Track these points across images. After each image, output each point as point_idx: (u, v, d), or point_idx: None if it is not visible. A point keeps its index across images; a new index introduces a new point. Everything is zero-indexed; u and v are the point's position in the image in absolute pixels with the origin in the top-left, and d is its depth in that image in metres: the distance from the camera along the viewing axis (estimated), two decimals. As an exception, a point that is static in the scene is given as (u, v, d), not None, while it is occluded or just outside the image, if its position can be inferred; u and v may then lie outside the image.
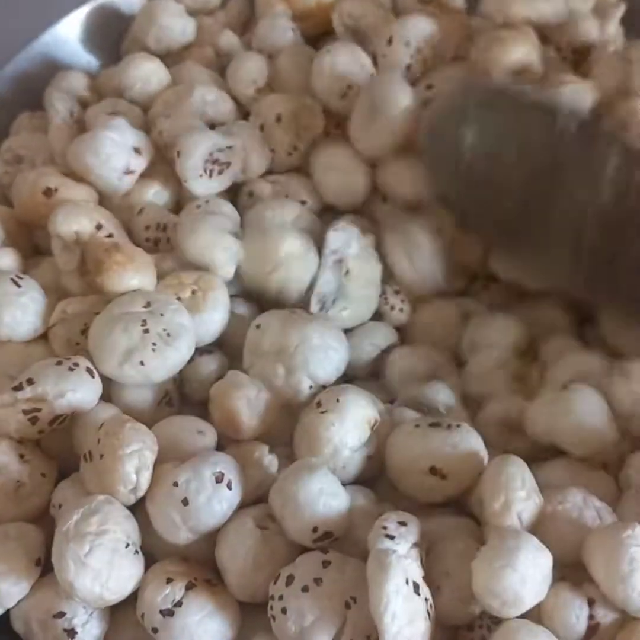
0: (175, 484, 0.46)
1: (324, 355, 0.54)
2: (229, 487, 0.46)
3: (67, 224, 0.57)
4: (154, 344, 0.52)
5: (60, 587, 0.44)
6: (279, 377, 0.53)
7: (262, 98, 0.69)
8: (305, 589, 0.43)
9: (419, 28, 0.67)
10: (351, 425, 0.49)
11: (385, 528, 0.43)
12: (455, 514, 0.49)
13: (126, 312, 0.53)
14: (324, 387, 0.54)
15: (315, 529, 0.45)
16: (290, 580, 0.43)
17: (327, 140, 0.67)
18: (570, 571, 0.44)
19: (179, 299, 0.56)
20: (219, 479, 0.46)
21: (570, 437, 0.50)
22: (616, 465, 0.51)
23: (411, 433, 0.50)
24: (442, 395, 0.55)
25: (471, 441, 0.49)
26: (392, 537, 0.42)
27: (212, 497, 0.46)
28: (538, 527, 0.45)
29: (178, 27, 0.74)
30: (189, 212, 0.60)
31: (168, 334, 0.52)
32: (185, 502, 0.45)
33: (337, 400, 0.49)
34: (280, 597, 0.43)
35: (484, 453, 0.49)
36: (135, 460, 0.46)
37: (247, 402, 0.51)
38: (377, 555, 0.41)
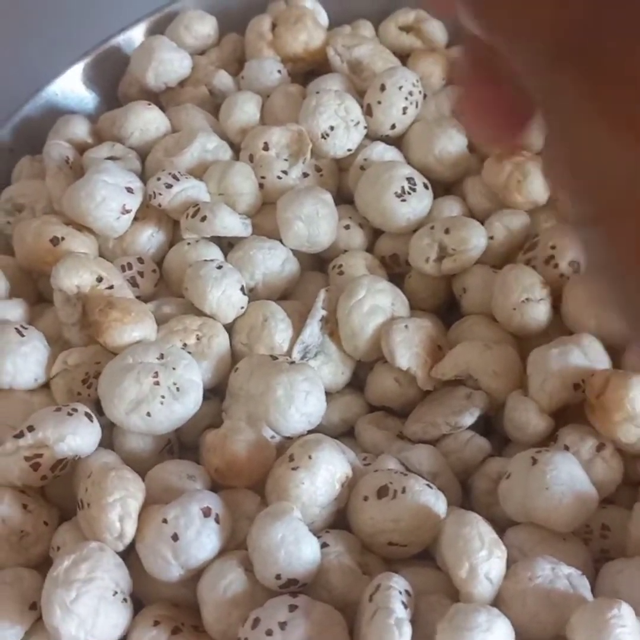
0: (165, 521, 0.47)
1: (286, 408, 0.54)
2: (217, 520, 0.48)
3: (68, 278, 0.58)
4: (163, 397, 0.54)
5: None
6: (243, 422, 0.54)
7: (249, 130, 0.70)
8: (269, 633, 0.43)
9: (408, 75, 0.69)
10: (321, 483, 0.50)
11: (401, 593, 0.44)
12: (430, 565, 0.50)
13: (140, 362, 0.55)
14: (290, 437, 0.55)
15: (278, 577, 0.46)
16: (256, 623, 0.44)
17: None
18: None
19: (184, 345, 0.58)
20: (206, 513, 0.48)
21: (549, 516, 0.49)
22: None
23: (361, 509, 0.50)
24: (426, 457, 0.55)
25: (421, 500, 0.49)
26: (406, 606, 0.43)
27: (201, 530, 0.47)
28: (511, 606, 0.45)
29: (176, 60, 0.76)
30: (200, 268, 0.61)
31: (177, 389, 0.54)
32: (175, 537, 0.47)
33: (310, 457, 0.50)
34: None
35: (438, 507, 0.49)
36: (118, 508, 0.48)
37: (247, 447, 0.52)
38: (397, 623, 0.42)
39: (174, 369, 0.55)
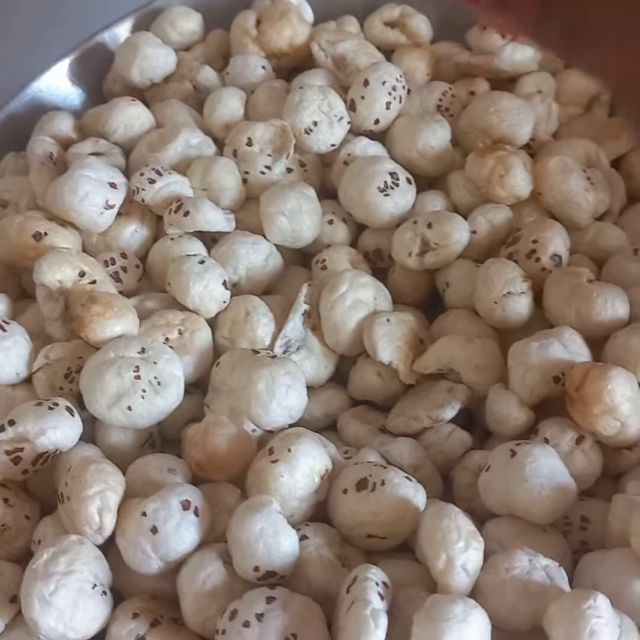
0: (144, 514, 0.48)
1: (267, 401, 0.54)
2: (196, 513, 0.48)
3: (50, 274, 0.58)
4: (144, 391, 0.54)
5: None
6: (225, 416, 0.54)
7: (233, 126, 0.70)
8: (246, 625, 0.43)
9: (391, 70, 0.69)
10: (300, 476, 0.50)
11: (377, 584, 0.44)
12: (410, 557, 0.50)
13: (121, 356, 0.55)
14: (271, 431, 0.55)
15: (256, 569, 0.46)
16: (233, 614, 0.44)
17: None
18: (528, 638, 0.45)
19: (166, 339, 0.58)
20: (185, 506, 0.48)
21: (528, 509, 0.49)
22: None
23: (341, 502, 0.50)
24: (407, 451, 0.55)
25: (400, 492, 0.49)
26: (383, 598, 0.43)
27: (181, 523, 0.48)
28: (489, 597, 0.45)
29: (160, 56, 0.76)
30: (183, 263, 0.61)
31: (159, 383, 0.54)
32: (154, 530, 0.47)
33: (289, 450, 0.50)
34: (223, 632, 0.44)
35: (417, 500, 0.49)
36: (97, 501, 0.48)
37: (228, 441, 0.52)
38: (373, 614, 0.42)
39: (155, 363, 0.55)
